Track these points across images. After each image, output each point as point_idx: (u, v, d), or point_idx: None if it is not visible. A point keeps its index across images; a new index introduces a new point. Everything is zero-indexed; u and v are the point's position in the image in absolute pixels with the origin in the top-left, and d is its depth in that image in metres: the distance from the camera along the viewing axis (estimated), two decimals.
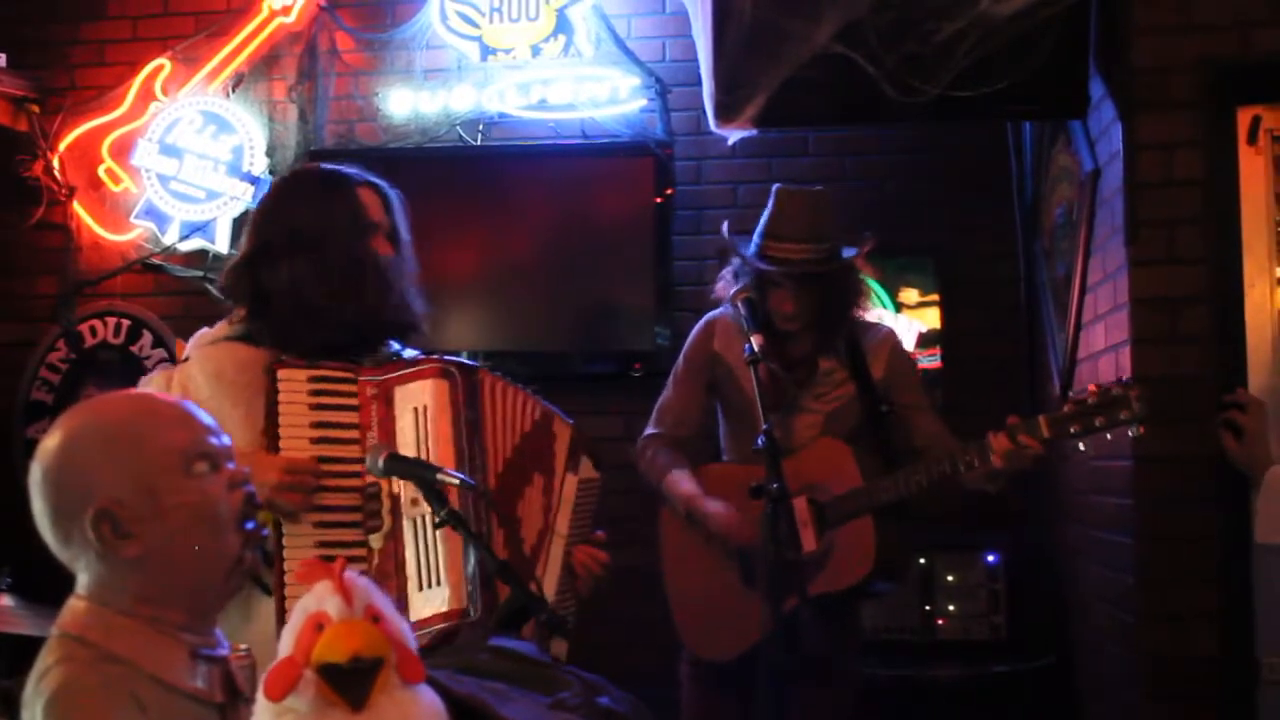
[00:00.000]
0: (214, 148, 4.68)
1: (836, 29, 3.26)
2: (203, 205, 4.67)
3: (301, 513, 2.16)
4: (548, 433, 2.45)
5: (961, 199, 4.41)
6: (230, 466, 1.63)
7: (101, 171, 4.78)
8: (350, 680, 1.35)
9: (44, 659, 1.53)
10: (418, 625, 2.08)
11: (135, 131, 4.74)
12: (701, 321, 3.28)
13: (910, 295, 4.40)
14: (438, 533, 2.13)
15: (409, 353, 2.43)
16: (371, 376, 2.25)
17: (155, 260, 4.76)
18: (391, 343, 2.43)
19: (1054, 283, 4.04)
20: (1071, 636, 3.91)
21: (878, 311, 4.30)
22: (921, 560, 3.89)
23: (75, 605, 1.57)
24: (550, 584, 2.34)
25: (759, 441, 2.63)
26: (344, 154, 4.40)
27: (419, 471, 2.09)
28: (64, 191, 4.80)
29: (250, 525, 1.64)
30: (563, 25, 4.51)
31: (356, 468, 2.20)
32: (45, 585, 1.90)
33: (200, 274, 4.70)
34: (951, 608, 3.90)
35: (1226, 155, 3.14)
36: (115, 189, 4.78)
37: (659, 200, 4.43)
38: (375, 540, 2.18)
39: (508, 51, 4.54)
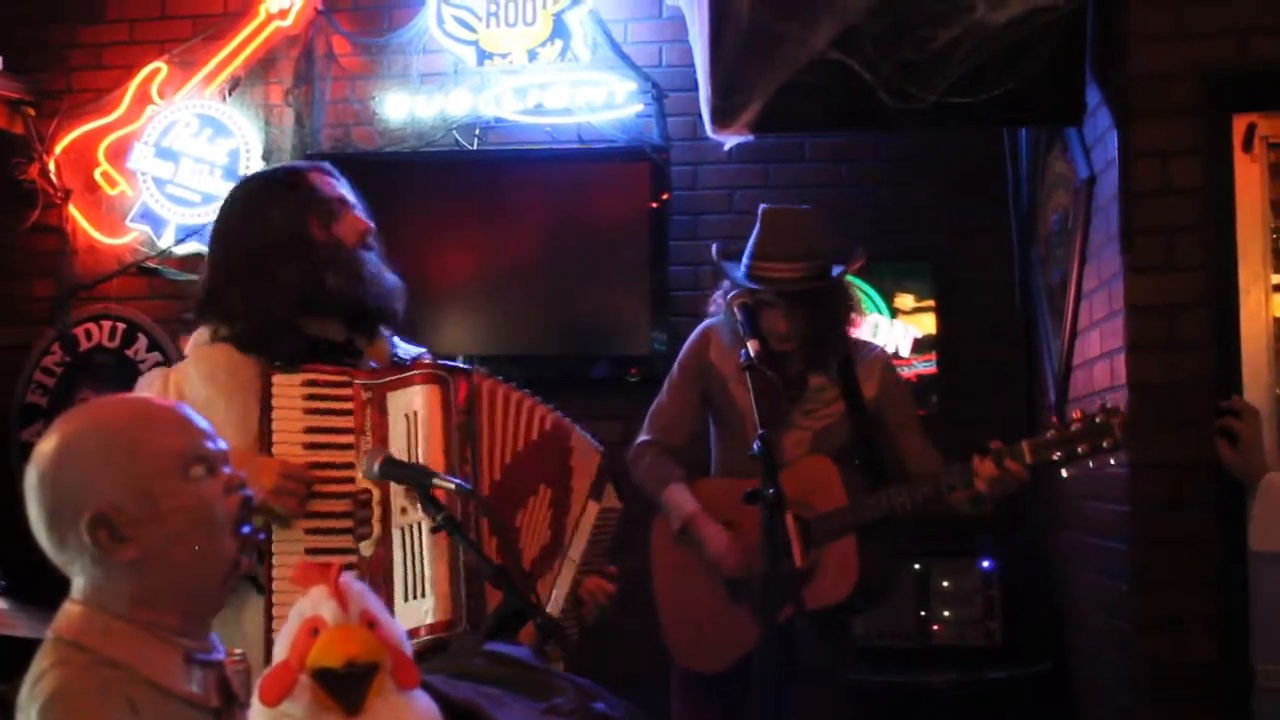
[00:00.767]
0: (210, 151, 4.68)
1: (833, 35, 3.27)
2: (198, 209, 4.65)
3: (294, 517, 2.16)
4: (562, 447, 2.43)
5: (958, 205, 4.42)
6: (227, 470, 1.63)
7: (97, 174, 4.77)
8: (345, 685, 1.35)
9: (39, 663, 1.53)
10: None
11: (131, 135, 4.74)
12: (698, 329, 3.26)
13: (906, 301, 4.40)
14: (426, 543, 2.12)
15: (410, 350, 2.43)
16: (366, 381, 2.24)
17: (151, 264, 4.75)
18: (393, 342, 2.43)
19: (1049, 289, 4.04)
20: (1067, 642, 3.91)
21: (873, 317, 4.31)
22: (916, 566, 3.89)
23: (71, 609, 1.56)
24: (556, 607, 2.32)
25: (755, 446, 2.61)
26: (340, 158, 4.38)
27: (414, 476, 2.09)
28: (60, 194, 4.79)
29: (246, 529, 1.64)
30: (559, 30, 4.51)
31: (349, 473, 2.20)
32: (40, 588, 1.90)
33: (195, 278, 4.68)
34: (947, 614, 3.90)
35: (1223, 162, 3.15)
36: (111, 192, 4.77)
37: (655, 205, 4.43)
38: (365, 548, 2.17)
39: (504, 56, 4.54)
